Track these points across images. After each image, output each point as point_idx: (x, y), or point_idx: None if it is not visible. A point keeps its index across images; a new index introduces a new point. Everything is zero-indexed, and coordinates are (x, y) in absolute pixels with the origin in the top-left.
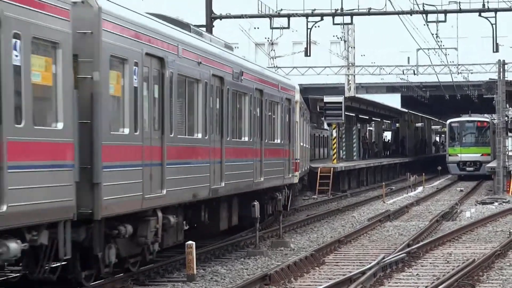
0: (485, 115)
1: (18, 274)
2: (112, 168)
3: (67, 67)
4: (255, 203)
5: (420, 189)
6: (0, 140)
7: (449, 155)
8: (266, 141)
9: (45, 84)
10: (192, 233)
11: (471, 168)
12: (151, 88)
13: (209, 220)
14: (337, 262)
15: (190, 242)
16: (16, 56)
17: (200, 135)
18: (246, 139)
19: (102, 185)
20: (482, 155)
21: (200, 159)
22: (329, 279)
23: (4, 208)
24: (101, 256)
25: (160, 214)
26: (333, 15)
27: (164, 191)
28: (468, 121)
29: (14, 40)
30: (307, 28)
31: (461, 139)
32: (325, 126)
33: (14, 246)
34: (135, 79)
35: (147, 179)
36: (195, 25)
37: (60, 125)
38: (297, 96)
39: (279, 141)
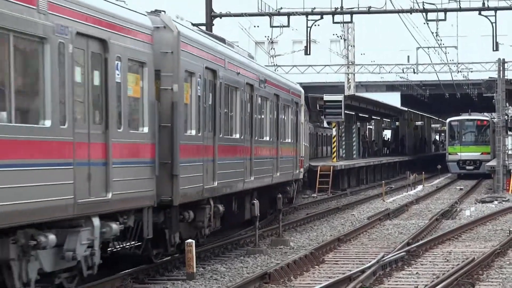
0: (485, 113)
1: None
2: (185, 163)
3: (151, 82)
4: (254, 201)
5: (419, 187)
6: (107, 142)
7: (449, 154)
8: (281, 140)
9: (135, 96)
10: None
11: (471, 167)
12: (208, 96)
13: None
14: (336, 261)
15: (189, 240)
16: (118, 74)
17: (238, 135)
18: (267, 138)
19: (180, 177)
20: (482, 153)
21: (238, 156)
22: (329, 277)
23: (110, 195)
24: (169, 237)
25: (212, 203)
26: (333, 13)
27: (216, 183)
28: (468, 120)
29: (116, 62)
30: (307, 27)
31: (461, 138)
32: (325, 125)
33: (115, 226)
34: (199, 89)
35: (205, 173)
36: (194, 24)
37: (145, 129)
38: (302, 100)
39: (290, 140)
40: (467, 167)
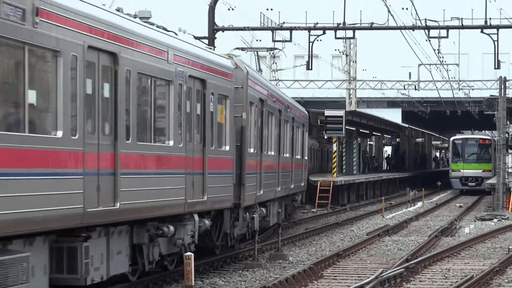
0: (486, 131)
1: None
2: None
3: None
4: (254, 215)
5: (419, 204)
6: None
7: (452, 171)
8: (296, 157)
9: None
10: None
11: (473, 184)
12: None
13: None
14: (335, 276)
15: (188, 253)
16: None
17: (288, 155)
18: (288, 155)
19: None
20: (483, 171)
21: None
22: None
23: (205, 198)
24: (230, 233)
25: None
26: (335, 29)
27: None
28: (470, 139)
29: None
30: (309, 42)
31: (464, 156)
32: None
33: (207, 222)
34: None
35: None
36: (197, 37)
37: (227, 148)
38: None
39: (299, 156)
40: (469, 184)
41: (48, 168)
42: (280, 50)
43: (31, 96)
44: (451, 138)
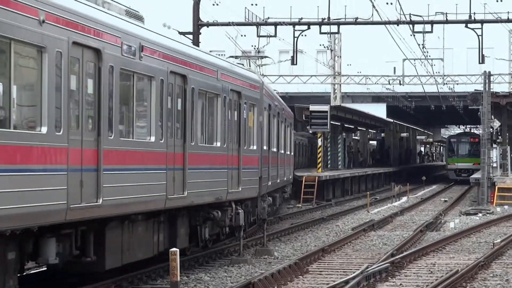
0: (468, 127)
1: None
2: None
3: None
4: (239, 211)
5: (404, 199)
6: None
7: (448, 164)
8: (283, 152)
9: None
10: None
11: (465, 175)
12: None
13: None
14: (320, 271)
15: (174, 249)
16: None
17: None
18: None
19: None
20: (474, 164)
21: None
22: None
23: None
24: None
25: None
26: (320, 24)
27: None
28: (463, 137)
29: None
30: (294, 37)
31: (458, 152)
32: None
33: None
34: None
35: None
36: (181, 32)
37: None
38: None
39: (289, 152)
40: (462, 175)
41: None
42: (269, 57)
43: None
44: (447, 137)
